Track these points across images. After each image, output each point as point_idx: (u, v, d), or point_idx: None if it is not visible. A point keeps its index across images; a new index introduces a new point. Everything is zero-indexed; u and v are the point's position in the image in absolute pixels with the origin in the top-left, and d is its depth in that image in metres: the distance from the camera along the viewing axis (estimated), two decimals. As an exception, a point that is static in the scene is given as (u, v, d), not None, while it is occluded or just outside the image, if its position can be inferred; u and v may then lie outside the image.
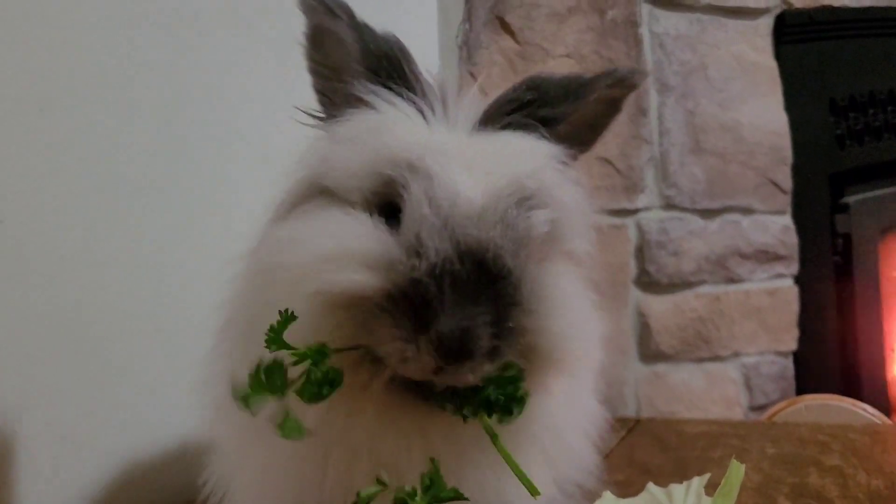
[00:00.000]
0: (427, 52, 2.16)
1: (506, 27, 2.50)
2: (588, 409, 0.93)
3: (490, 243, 0.71)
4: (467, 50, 2.48)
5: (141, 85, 1.31)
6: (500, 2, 2.50)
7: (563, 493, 0.89)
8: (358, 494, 0.63)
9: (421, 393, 0.71)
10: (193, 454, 0.97)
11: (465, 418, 0.70)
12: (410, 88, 0.81)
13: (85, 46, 1.21)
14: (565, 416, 0.85)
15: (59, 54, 1.17)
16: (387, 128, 0.78)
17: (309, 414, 0.68)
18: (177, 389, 1.31)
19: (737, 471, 0.87)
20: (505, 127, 0.82)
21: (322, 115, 0.86)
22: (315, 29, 0.84)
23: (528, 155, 0.80)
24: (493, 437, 0.69)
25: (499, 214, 0.73)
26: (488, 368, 0.70)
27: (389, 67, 0.81)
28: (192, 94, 1.40)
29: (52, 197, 1.17)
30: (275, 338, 0.65)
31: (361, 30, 0.82)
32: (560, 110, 0.85)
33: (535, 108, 0.84)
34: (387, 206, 0.75)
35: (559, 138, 0.83)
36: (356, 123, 0.79)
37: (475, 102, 0.84)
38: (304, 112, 0.87)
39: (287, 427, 0.63)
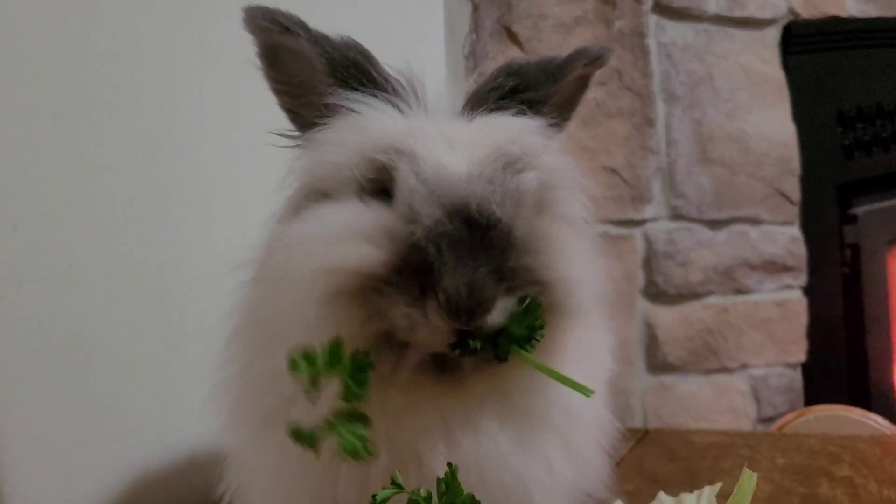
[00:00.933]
0: (434, 61, 2.17)
1: (513, 37, 2.51)
2: (599, 417, 0.93)
3: (472, 197, 0.72)
4: (474, 60, 2.49)
5: (151, 94, 1.31)
6: (508, 12, 2.51)
7: (573, 501, 0.89)
8: (374, 497, 0.62)
9: (446, 370, 0.72)
10: (203, 461, 0.97)
11: (501, 360, 0.71)
12: (381, 88, 0.82)
13: (96, 56, 1.22)
14: (578, 417, 0.85)
15: (72, 64, 1.18)
16: (369, 123, 0.79)
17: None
18: (186, 396, 1.32)
19: (749, 479, 0.86)
20: (489, 112, 0.83)
21: (296, 132, 0.87)
22: (268, 49, 0.83)
23: (508, 126, 0.81)
24: (537, 365, 0.71)
25: (485, 178, 0.75)
26: (506, 306, 0.70)
27: (357, 73, 0.82)
28: (201, 101, 1.40)
29: (64, 205, 1.17)
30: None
31: (322, 42, 0.82)
32: (542, 93, 0.87)
33: (518, 93, 0.85)
34: (381, 191, 0.76)
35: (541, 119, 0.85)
36: (338, 126, 0.80)
37: (453, 92, 0.85)
38: (277, 135, 0.87)
39: (349, 446, 0.64)
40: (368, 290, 0.70)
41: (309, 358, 0.63)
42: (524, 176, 0.77)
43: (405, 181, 0.73)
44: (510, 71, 0.86)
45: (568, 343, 0.78)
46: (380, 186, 0.76)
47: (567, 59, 0.89)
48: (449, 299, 0.67)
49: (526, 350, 0.70)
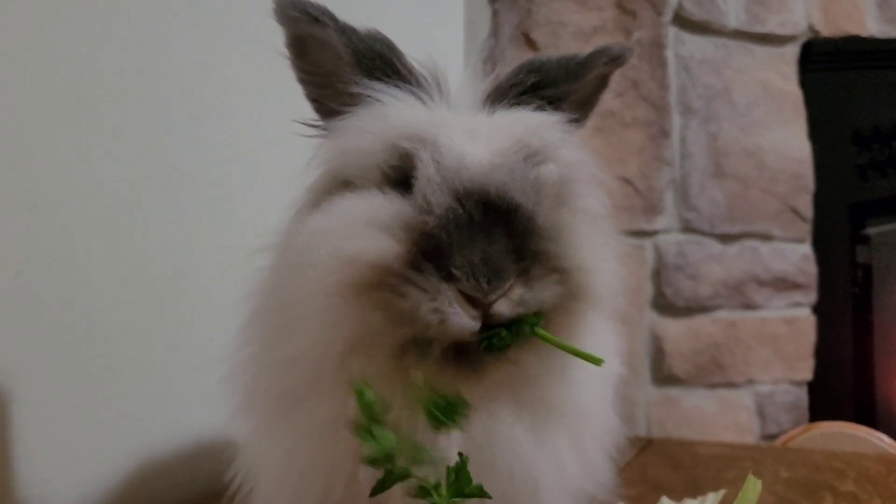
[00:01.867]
0: (452, 65, 2.18)
1: (531, 44, 2.52)
2: (607, 419, 0.93)
3: (492, 183, 0.73)
4: (492, 65, 2.50)
5: (173, 81, 1.33)
6: (527, 18, 2.52)
7: (577, 501, 0.89)
8: (380, 481, 0.63)
9: (465, 359, 0.72)
10: (211, 448, 0.97)
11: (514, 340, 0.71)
12: (405, 80, 0.83)
13: (116, 44, 1.24)
14: (588, 417, 0.85)
15: (93, 52, 1.20)
16: (393, 112, 0.80)
17: (347, 399, 0.70)
18: (194, 383, 1.32)
19: (753, 486, 0.86)
20: (510, 107, 0.84)
21: (320, 121, 0.88)
22: (296, 39, 0.84)
23: (529, 119, 0.82)
24: (548, 338, 0.72)
25: (506, 168, 0.75)
26: (527, 295, 0.70)
27: (382, 64, 0.83)
28: (221, 89, 1.42)
29: (82, 187, 1.18)
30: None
31: (349, 33, 0.83)
32: (562, 90, 0.88)
33: (539, 89, 0.86)
34: (402, 179, 0.77)
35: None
36: (362, 115, 0.81)
37: (474, 85, 0.86)
38: (302, 124, 0.88)
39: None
40: (386, 285, 0.71)
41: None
42: (544, 167, 0.78)
43: (424, 170, 0.74)
44: (531, 68, 0.87)
45: (583, 330, 0.78)
46: (402, 174, 0.77)
47: (588, 57, 0.90)
48: (465, 272, 0.68)
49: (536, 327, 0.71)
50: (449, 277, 0.69)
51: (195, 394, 1.33)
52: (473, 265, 0.68)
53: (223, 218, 1.43)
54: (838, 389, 2.79)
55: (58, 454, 1.15)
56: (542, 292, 0.72)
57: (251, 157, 1.47)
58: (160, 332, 1.31)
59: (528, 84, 0.86)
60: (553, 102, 0.86)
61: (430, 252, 0.70)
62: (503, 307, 0.70)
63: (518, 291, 0.70)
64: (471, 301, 0.69)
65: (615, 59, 0.92)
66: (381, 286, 0.71)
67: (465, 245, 0.69)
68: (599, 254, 0.79)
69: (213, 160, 1.42)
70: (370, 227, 0.73)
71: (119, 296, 1.24)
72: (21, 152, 1.10)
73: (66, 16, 1.15)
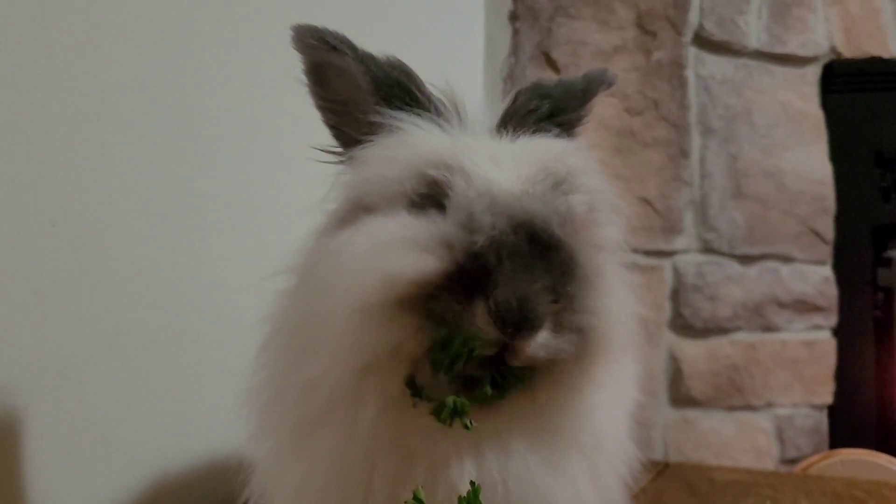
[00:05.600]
0: (472, 83, 2.19)
1: (551, 63, 2.52)
2: (623, 446, 0.92)
3: (538, 215, 0.73)
4: (512, 83, 2.50)
5: (192, 102, 1.34)
6: (547, 38, 2.52)
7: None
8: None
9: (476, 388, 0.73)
10: (225, 465, 0.97)
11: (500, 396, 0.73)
12: (424, 108, 0.83)
13: (136, 62, 1.25)
14: (604, 444, 0.84)
15: (112, 69, 1.21)
16: (416, 140, 0.80)
17: (361, 424, 0.72)
18: (212, 401, 1.33)
19: (771, 519, 0.86)
20: (530, 133, 0.84)
21: (339, 149, 0.88)
22: (314, 66, 0.85)
23: (550, 146, 0.83)
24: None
25: (538, 196, 0.76)
26: (551, 341, 0.71)
27: (401, 92, 0.83)
28: (239, 110, 1.43)
29: (100, 204, 1.19)
30: None
31: (368, 62, 0.84)
32: (575, 116, 0.90)
33: (554, 115, 0.87)
34: (431, 205, 0.77)
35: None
36: (385, 143, 0.81)
37: (492, 111, 0.87)
38: (321, 150, 0.88)
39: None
40: (425, 299, 0.71)
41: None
42: (575, 198, 0.78)
43: (463, 193, 0.74)
44: (543, 93, 0.88)
45: (599, 377, 0.78)
46: (430, 202, 0.77)
47: (588, 83, 0.92)
48: (499, 307, 0.68)
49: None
50: (483, 298, 0.69)
51: (211, 411, 1.33)
52: (510, 303, 0.68)
53: (242, 235, 1.44)
54: (859, 414, 2.75)
55: (72, 469, 1.16)
56: (565, 342, 0.72)
57: (272, 174, 1.48)
58: (177, 349, 1.32)
59: (544, 110, 0.86)
60: (564, 128, 0.87)
61: (472, 271, 0.70)
62: (529, 347, 0.70)
63: (544, 335, 0.71)
64: (495, 328, 0.69)
65: (610, 85, 0.94)
66: (420, 299, 0.71)
67: (510, 278, 0.69)
68: (622, 301, 0.79)
69: (234, 177, 1.43)
70: (407, 245, 0.73)
71: (135, 312, 1.25)
72: (40, 170, 1.11)
73: (86, 32, 1.17)
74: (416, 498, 0.63)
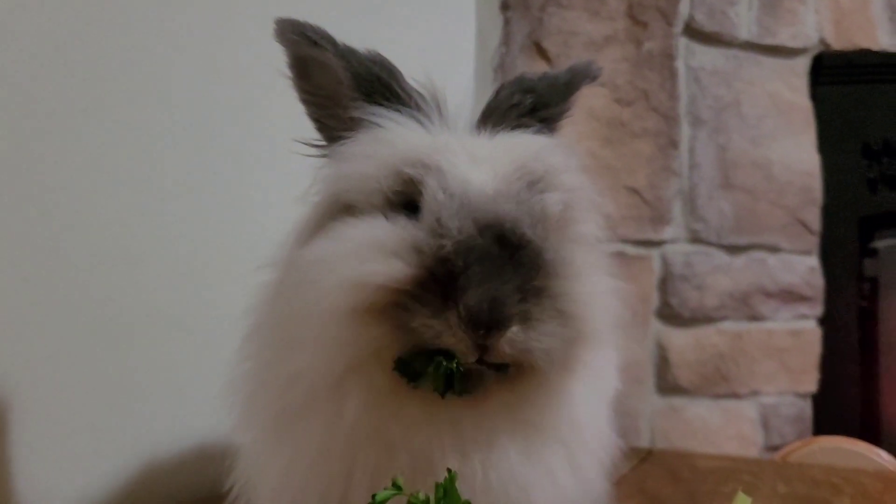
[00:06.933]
0: (462, 73, 2.20)
1: (542, 53, 2.53)
2: (602, 434, 0.94)
3: (507, 216, 0.74)
4: (502, 73, 2.52)
5: (180, 85, 1.35)
6: (538, 27, 2.53)
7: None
8: (373, 497, 0.65)
9: (468, 385, 0.74)
10: (214, 452, 0.98)
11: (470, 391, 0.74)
12: (405, 104, 0.84)
13: (129, 46, 1.26)
14: (583, 433, 0.86)
15: (106, 53, 1.22)
16: (395, 137, 0.81)
17: (344, 415, 0.74)
18: (201, 388, 1.34)
19: (742, 502, 0.88)
20: (510, 129, 0.85)
21: (322, 141, 0.89)
22: (297, 60, 0.86)
23: (530, 144, 0.83)
24: None
25: (512, 195, 0.77)
26: (522, 338, 0.72)
27: (382, 88, 0.84)
28: (229, 101, 1.44)
29: (92, 194, 1.21)
30: None
31: (348, 57, 0.84)
32: (558, 110, 0.90)
33: (536, 111, 0.88)
34: (408, 203, 0.78)
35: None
36: (364, 140, 0.82)
37: (471, 107, 0.87)
38: (304, 143, 0.89)
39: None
40: (394, 305, 0.72)
41: None
42: (549, 197, 0.79)
43: (433, 195, 0.75)
44: (526, 88, 0.88)
45: (579, 368, 0.80)
46: (406, 199, 0.78)
47: (571, 77, 0.92)
48: (470, 311, 0.69)
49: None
50: (453, 306, 0.70)
51: (199, 398, 1.35)
52: (481, 306, 0.69)
53: (232, 223, 1.45)
54: (843, 402, 2.79)
55: (62, 455, 1.18)
56: (539, 336, 0.73)
57: (262, 165, 1.49)
58: (166, 337, 1.33)
59: (527, 105, 0.87)
60: (547, 122, 0.88)
61: (441, 275, 0.71)
62: (500, 344, 0.71)
63: (515, 330, 0.72)
64: (467, 332, 0.70)
65: (595, 78, 0.94)
66: (389, 305, 0.72)
67: (478, 279, 0.70)
68: (598, 293, 0.80)
69: (224, 168, 1.44)
70: (378, 250, 0.74)
71: (125, 301, 1.26)
72: (33, 156, 1.12)
73: (80, 22, 1.18)
74: (394, 484, 0.65)
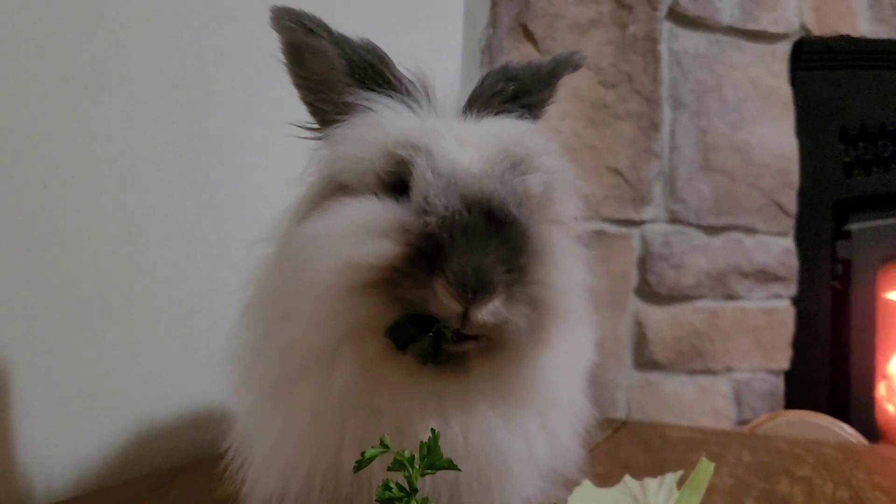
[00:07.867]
0: (450, 54, 2.23)
1: (528, 35, 2.57)
2: (576, 403, 1.00)
3: (494, 193, 0.79)
4: (489, 54, 2.55)
5: (178, 68, 1.39)
6: (525, 10, 2.57)
7: (543, 479, 0.96)
8: (362, 454, 0.70)
9: (452, 356, 0.80)
10: (207, 418, 1.03)
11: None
12: (396, 90, 0.88)
13: (128, 29, 1.30)
14: (557, 401, 0.92)
15: (104, 35, 1.26)
16: (386, 121, 0.86)
17: (335, 383, 0.79)
18: (197, 356, 1.40)
19: (705, 468, 0.94)
20: (494, 114, 0.90)
21: (315, 125, 0.93)
22: (292, 46, 0.89)
23: (513, 128, 0.88)
24: None
25: (496, 175, 0.81)
26: (502, 311, 0.76)
27: (374, 75, 0.88)
28: (226, 84, 1.48)
29: (93, 167, 1.25)
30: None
31: (342, 44, 0.88)
32: (540, 97, 0.95)
33: (518, 97, 0.92)
34: (399, 183, 0.83)
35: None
36: (358, 124, 0.87)
37: (458, 93, 0.92)
38: (298, 126, 0.93)
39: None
40: (385, 281, 0.77)
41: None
42: (531, 178, 0.84)
43: (422, 175, 0.80)
44: (510, 75, 0.93)
45: (555, 340, 0.85)
46: (397, 179, 0.83)
47: (554, 66, 0.96)
48: (457, 276, 0.73)
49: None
50: (441, 274, 0.74)
51: (195, 365, 1.40)
52: (466, 274, 0.74)
53: (231, 197, 1.50)
54: (814, 379, 2.88)
55: (60, 419, 1.22)
56: (515, 311, 0.78)
57: (267, 145, 1.52)
58: (163, 303, 1.38)
59: (510, 92, 0.91)
60: (530, 109, 0.93)
61: (428, 250, 0.76)
62: (480, 313, 0.76)
63: (496, 302, 0.76)
64: (453, 298, 0.75)
65: (578, 67, 0.99)
66: (380, 281, 0.77)
67: (463, 250, 0.74)
68: (574, 272, 0.85)
69: (219, 145, 1.48)
70: (369, 231, 0.79)
71: (123, 271, 1.31)
72: (32, 134, 1.15)
73: (82, 16, 1.21)
74: (382, 444, 0.71)
